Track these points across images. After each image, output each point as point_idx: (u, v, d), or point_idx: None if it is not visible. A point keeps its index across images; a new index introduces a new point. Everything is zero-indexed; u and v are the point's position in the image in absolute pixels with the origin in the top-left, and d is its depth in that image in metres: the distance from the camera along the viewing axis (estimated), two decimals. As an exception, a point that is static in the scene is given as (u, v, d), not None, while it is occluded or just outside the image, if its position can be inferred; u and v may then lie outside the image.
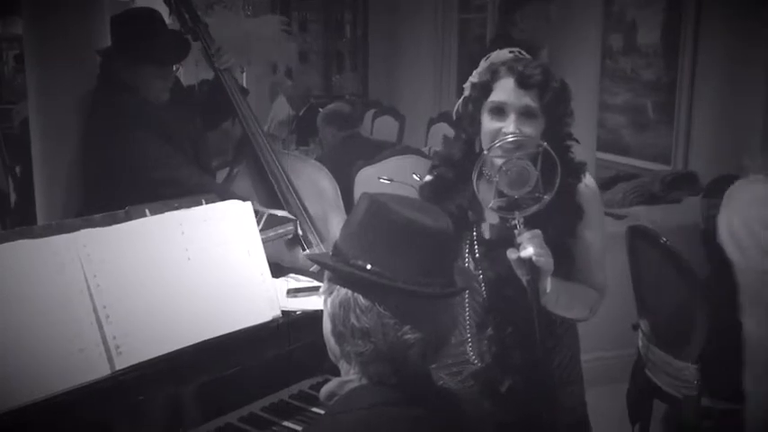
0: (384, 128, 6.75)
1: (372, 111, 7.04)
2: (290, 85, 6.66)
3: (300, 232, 2.88)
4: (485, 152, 1.70)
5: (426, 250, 1.19)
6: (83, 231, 1.65)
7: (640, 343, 3.00)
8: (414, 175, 3.34)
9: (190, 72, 5.78)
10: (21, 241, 1.57)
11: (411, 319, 1.17)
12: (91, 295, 1.60)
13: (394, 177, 3.68)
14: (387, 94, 7.67)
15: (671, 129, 4.93)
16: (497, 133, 1.73)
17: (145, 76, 2.63)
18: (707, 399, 2.72)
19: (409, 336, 1.17)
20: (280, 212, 2.71)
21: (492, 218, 1.83)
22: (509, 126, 1.72)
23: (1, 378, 1.46)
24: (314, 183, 3.07)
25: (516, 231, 1.65)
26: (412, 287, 1.17)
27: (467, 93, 1.84)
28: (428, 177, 1.91)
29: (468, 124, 1.83)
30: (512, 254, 1.64)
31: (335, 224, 3.07)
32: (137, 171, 2.50)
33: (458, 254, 1.80)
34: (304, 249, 2.88)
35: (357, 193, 4.07)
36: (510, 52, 1.84)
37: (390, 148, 4.65)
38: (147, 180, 2.48)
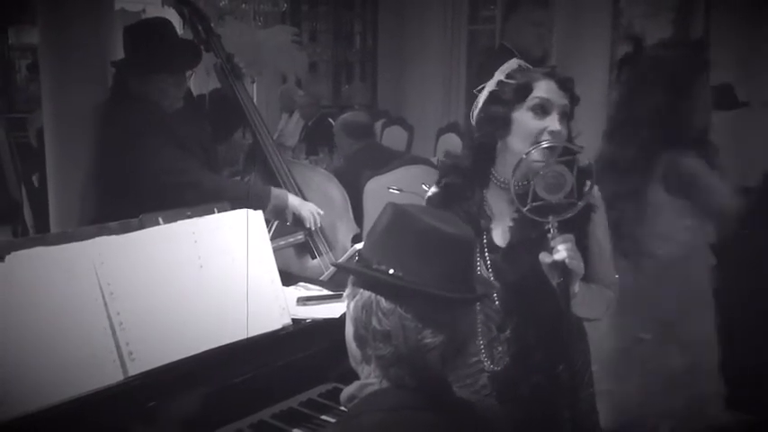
0: (393, 138, 6.78)
1: (381, 121, 7.07)
2: (302, 95, 6.69)
3: (309, 240, 2.90)
4: (523, 156, 1.71)
5: (448, 257, 1.22)
6: (97, 239, 1.67)
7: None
8: (423, 185, 3.35)
9: (201, 81, 5.81)
10: (36, 249, 1.59)
11: (432, 322, 1.20)
12: (105, 302, 1.62)
13: (403, 187, 3.70)
14: (396, 105, 7.70)
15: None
16: (542, 132, 1.75)
17: (159, 84, 2.66)
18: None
19: (429, 339, 1.20)
20: None
21: (502, 223, 1.85)
22: (554, 124, 1.75)
23: (15, 383, 1.48)
24: (323, 191, 3.09)
25: (549, 235, 1.68)
26: (433, 290, 1.19)
27: (488, 95, 1.83)
28: (433, 189, 1.92)
29: (496, 126, 1.81)
30: (545, 258, 1.67)
31: (344, 233, 3.09)
32: (151, 177, 2.53)
33: None
34: (314, 257, 2.90)
35: (366, 202, 4.09)
36: (517, 65, 1.86)
37: (399, 157, 4.67)
38: (163, 185, 2.50)
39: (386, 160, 4.44)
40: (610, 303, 1.89)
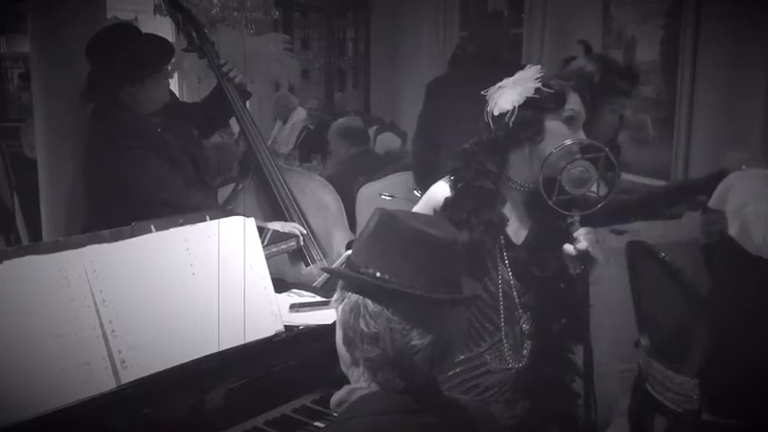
0: (386, 144, 6.78)
1: (374, 127, 7.07)
2: (296, 102, 6.70)
3: (303, 247, 2.90)
4: (553, 151, 1.78)
5: (433, 259, 1.24)
6: (89, 247, 1.68)
7: (641, 358, 3.00)
8: (415, 192, 3.36)
9: (193, 89, 5.80)
10: (28, 257, 1.60)
11: (418, 324, 1.22)
12: (97, 310, 1.63)
13: (395, 193, 3.71)
14: (388, 111, 7.71)
15: (670, 144, 4.95)
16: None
17: (132, 94, 2.62)
18: (707, 414, 2.72)
19: (417, 341, 1.21)
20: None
21: (516, 222, 1.90)
22: (582, 135, 1.85)
23: (7, 391, 1.48)
24: (318, 198, 3.09)
25: (573, 228, 1.77)
26: (418, 292, 1.21)
27: (525, 101, 1.82)
28: (446, 192, 1.88)
29: (530, 132, 1.83)
30: (569, 249, 1.76)
31: (338, 239, 3.09)
32: (136, 192, 2.51)
33: (489, 257, 1.86)
34: (307, 264, 2.90)
35: (359, 208, 4.09)
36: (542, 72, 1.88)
37: (392, 163, 4.68)
38: (147, 201, 2.48)
39: (378, 166, 4.46)
40: None
